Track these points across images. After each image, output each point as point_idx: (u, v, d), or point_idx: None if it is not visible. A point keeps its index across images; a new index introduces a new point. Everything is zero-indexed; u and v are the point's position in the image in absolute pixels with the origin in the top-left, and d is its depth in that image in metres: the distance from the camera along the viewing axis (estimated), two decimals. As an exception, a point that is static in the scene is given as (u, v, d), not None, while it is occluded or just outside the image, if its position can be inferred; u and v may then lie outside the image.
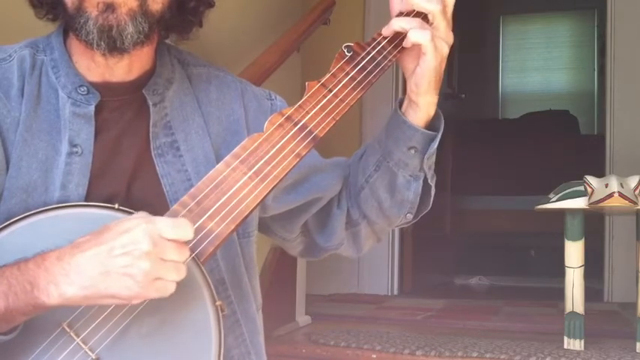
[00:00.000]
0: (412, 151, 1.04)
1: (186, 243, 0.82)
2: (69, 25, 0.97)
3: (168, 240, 0.80)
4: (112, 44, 0.93)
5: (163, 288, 0.80)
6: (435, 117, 1.04)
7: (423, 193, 1.09)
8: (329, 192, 1.14)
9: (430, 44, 0.96)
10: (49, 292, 0.79)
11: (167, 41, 1.08)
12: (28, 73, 0.98)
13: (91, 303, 0.81)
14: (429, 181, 1.08)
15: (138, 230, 0.79)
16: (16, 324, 0.83)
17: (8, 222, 0.87)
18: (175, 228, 0.81)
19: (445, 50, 0.98)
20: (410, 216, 1.11)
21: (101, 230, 0.81)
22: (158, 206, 0.92)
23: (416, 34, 0.96)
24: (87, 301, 0.80)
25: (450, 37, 0.99)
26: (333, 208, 1.15)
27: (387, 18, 1.02)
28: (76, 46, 0.99)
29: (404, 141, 1.04)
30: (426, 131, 1.03)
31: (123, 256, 0.78)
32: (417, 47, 0.98)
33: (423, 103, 1.01)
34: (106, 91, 0.99)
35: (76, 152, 0.95)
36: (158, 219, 0.81)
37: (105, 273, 0.78)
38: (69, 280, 0.79)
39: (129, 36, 0.93)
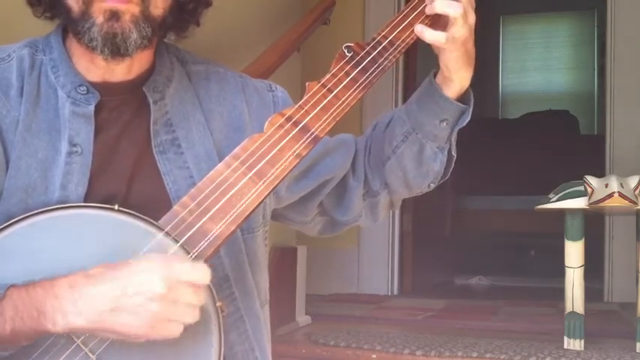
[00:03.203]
0: (444, 124, 1.05)
1: (204, 286, 0.82)
2: (71, 27, 0.97)
3: (185, 282, 0.80)
4: (116, 50, 0.93)
5: (169, 330, 0.80)
6: (467, 90, 1.05)
7: (446, 164, 1.11)
8: (339, 171, 1.15)
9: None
10: (55, 321, 0.79)
11: (165, 40, 1.08)
12: (28, 73, 0.98)
13: (94, 334, 0.82)
14: (453, 152, 1.10)
15: (155, 273, 0.79)
16: (18, 346, 0.83)
17: (8, 222, 0.86)
18: (193, 272, 0.81)
19: (464, 34, 0.96)
20: (433, 185, 1.14)
21: (117, 266, 0.81)
22: (160, 204, 0.92)
23: (456, 29, 0.95)
24: (90, 332, 0.81)
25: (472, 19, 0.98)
26: (349, 182, 1.15)
27: (386, 18, 1.02)
28: (75, 46, 0.99)
29: (437, 113, 1.05)
30: (461, 105, 1.04)
31: (136, 296, 0.78)
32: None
33: (456, 79, 1.02)
34: (105, 90, 0.98)
35: (76, 152, 0.95)
36: (176, 261, 0.82)
37: (115, 309, 0.79)
38: (77, 311, 0.79)
39: (133, 42, 0.93)
